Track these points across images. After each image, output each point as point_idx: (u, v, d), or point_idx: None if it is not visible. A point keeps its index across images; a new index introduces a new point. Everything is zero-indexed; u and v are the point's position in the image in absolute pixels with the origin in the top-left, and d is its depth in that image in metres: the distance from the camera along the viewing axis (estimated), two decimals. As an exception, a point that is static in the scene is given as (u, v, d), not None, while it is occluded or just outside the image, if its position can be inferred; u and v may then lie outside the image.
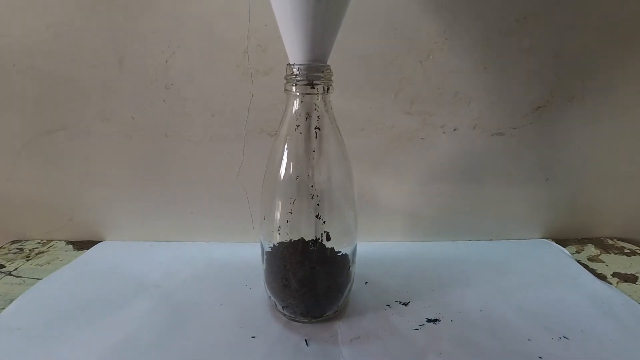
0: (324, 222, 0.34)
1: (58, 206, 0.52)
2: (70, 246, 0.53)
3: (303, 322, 0.36)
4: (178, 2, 0.44)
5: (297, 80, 0.32)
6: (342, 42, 0.45)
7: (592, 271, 0.46)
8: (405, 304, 0.39)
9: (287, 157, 0.33)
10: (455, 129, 0.48)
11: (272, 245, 0.36)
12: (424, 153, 0.49)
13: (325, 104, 0.33)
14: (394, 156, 0.49)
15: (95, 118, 0.48)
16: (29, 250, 0.52)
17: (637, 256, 0.50)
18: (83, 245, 0.53)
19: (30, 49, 0.46)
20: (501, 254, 0.50)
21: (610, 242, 0.54)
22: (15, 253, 0.51)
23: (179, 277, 0.44)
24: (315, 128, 0.33)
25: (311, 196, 0.33)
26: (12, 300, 0.39)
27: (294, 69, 0.32)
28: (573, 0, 0.44)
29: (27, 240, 0.54)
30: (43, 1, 0.44)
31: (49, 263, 0.48)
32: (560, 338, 0.34)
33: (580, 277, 0.44)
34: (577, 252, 0.51)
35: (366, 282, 0.43)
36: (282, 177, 0.33)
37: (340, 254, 0.36)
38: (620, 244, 0.53)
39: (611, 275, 0.45)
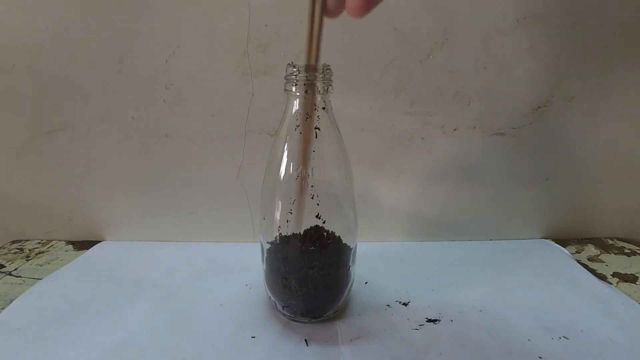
0: (324, 222, 0.34)
1: (58, 206, 0.52)
2: (70, 246, 0.53)
3: (303, 322, 0.36)
4: (178, 2, 0.44)
5: (297, 80, 0.32)
6: (342, 42, 0.45)
7: (592, 271, 0.46)
8: (405, 304, 0.39)
9: (287, 157, 0.33)
10: (455, 129, 0.48)
11: (272, 245, 0.36)
12: (424, 153, 0.49)
13: (325, 104, 0.33)
14: (394, 156, 0.49)
15: (95, 118, 0.48)
16: (29, 250, 0.52)
17: (637, 256, 0.50)
18: (83, 245, 0.53)
19: (30, 49, 0.46)
20: (501, 254, 0.50)
21: (610, 242, 0.54)
22: (15, 253, 0.51)
23: (179, 277, 0.44)
24: (315, 128, 0.33)
25: (311, 196, 0.33)
26: (12, 300, 0.40)
27: (294, 69, 0.32)
28: (573, 0, 0.45)
29: (27, 240, 0.54)
30: (43, 1, 0.44)
31: (49, 263, 0.48)
32: (560, 338, 0.34)
33: (580, 277, 0.44)
34: (577, 252, 0.51)
35: (366, 282, 0.43)
36: (282, 177, 0.33)
37: (340, 254, 0.36)
38: (620, 244, 0.53)
39: (611, 275, 0.45)
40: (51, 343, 0.34)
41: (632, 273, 0.46)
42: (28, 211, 0.53)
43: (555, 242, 0.53)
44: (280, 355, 0.32)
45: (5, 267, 0.47)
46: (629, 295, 0.40)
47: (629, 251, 0.51)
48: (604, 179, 0.51)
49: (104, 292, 0.41)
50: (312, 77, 0.31)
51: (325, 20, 0.28)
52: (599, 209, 0.53)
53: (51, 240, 0.54)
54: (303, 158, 0.32)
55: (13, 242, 0.54)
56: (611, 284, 0.43)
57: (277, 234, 0.35)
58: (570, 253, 0.50)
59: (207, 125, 0.48)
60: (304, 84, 0.32)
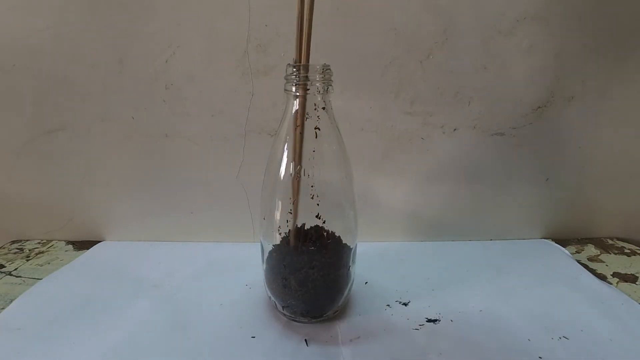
0: (324, 222, 0.34)
1: (58, 206, 0.52)
2: (70, 246, 0.53)
3: (303, 322, 0.36)
4: (178, 2, 0.44)
5: (297, 81, 0.32)
6: (342, 42, 0.45)
7: (592, 271, 0.46)
8: (405, 304, 0.39)
9: (287, 157, 0.33)
10: (455, 129, 0.48)
11: (272, 245, 0.36)
12: (424, 153, 0.49)
13: (325, 104, 0.33)
14: (394, 156, 0.49)
15: (95, 118, 0.48)
16: (29, 250, 0.52)
17: (637, 256, 0.50)
18: (83, 245, 0.53)
19: (30, 49, 0.46)
20: (501, 254, 0.50)
21: (610, 242, 0.54)
22: (15, 253, 0.51)
23: (179, 277, 0.44)
24: (315, 128, 0.33)
25: (311, 196, 0.33)
26: (12, 300, 0.39)
27: (294, 69, 0.32)
28: (573, 0, 0.45)
29: (27, 240, 0.54)
30: (43, 1, 0.44)
31: (49, 263, 0.48)
32: (560, 338, 0.34)
33: (580, 277, 0.44)
34: (577, 252, 0.51)
35: (366, 282, 0.43)
36: (282, 177, 0.33)
37: (340, 254, 0.36)
38: (620, 244, 0.53)
39: (611, 275, 0.45)
40: (51, 343, 0.34)
41: (632, 273, 0.46)
42: (28, 211, 0.53)
43: (555, 242, 0.53)
44: (280, 355, 0.32)
45: (5, 267, 0.47)
46: (629, 295, 0.40)
47: (629, 251, 0.51)
48: (604, 179, 0.51)
49: (104, 292, 0.41)
50: (312, 77, 0.31)
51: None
52: (599, 209, 0.53)
53: (51, 240, 0.54)
54: (296, 156, 0.32)
55: (13, 242, 0.54)
56: (611, 284, 0.43)
57: (277, 234, 0.35)
58: (570, 253, 0.50)
59: (207, 125, 0.48)
60: (300, 84, 0.32)
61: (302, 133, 0.32)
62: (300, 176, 0.33)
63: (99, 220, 0.53)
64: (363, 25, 0.44)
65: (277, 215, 0.34)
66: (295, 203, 0.33)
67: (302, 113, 0.32)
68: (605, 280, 0.44)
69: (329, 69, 0.32)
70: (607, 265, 0.47)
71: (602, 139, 0.50)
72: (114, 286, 0.42)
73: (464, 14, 0.45)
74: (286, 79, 0.33)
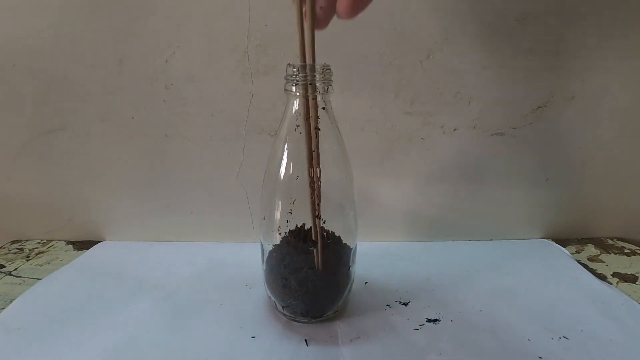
0: (324, 222, 0.34)
1: (58, 206, 0.52)
2: (70, 246, 0.53)
3: (303, 322, 0.36)
4: (178, 2, 0.44)
5: (297, 80, 0.32)
6: (342, 42, 0.45)
7: (592, 271, 0.46)
8: (405, 304, 0.39)
9: (287, 157, 0.33)
10: (455, 129, 0.48)
11: (272, 245, 0.36)
12: (424, 153, 0.49)
13: (325, 104, 0.33)
14: (394, 156, 0.49)
15: (95, 118, 0.48)
16: (29, 250, 0.52)
17: (637, 256, 0.50)
18: (83, 245, 0.53)
19: (30, 49, 0.46)
20: (501, 254, 0.50)
21: (610, 242, 0.53)
22: (15, 253, 0.51)
23: (179, 277, 0.44)
24: (315, 128, 0.33)
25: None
26: (12, 300, 0.39)
27: (294, 69, 0.32)
28: (573, 0, 0.45)
29: (27, 240, 0.54)
30: (43, 1, 0.44)
31: (49, 263, 0.48)
32: (560, 338, 0.34)
33: (580, 277, 0.44)
34: (577, 252, 0.51)
35: (366, 282, 0.43)
36: (282, 177, 0.33)
37: (340, 254, 0.36)
38: (620, 244, 0.53)
39: (611, 275, 0.45)
40: (51, 343, 0.34)
41: (632, 273, 0.46)
42: (28, 211, 0.53)
43: (555, 242, 0.53)
44: (280, 355, 0.32)
45: (5, 267, 0.47)
46: (629, 295, 0.40)
47: (629, 251, 0.51)
48: (603, 179, 0.51)
49: (104, 292, 0.41)
50: (312, 77, 0.31)
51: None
52: (599, 209, 0.53)
53: (51, 240, 0.54)
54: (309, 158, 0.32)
55: (13, 242, 0.54)
56: (611, 284, 0.43)
57: (277, 234, 0.35)
58: (570, 253, 0.50)
59: (207, 125, 0.48)
60: (303, 84, 0.32)
61: (316, 132, 0.32)
62: (316, 179, 0.32)
63: (99, 220, 0.53)
64: (363, 25, 0.44)
65: (277, 215, 0.34)
66: (313, 206, 0.33)
67: (308, 113, 0.32)
68: (605, 280, 0.44)
69: (329, 69, 0.32)
70: (607, 265, 0.47)
71: (602, 139, 0.50)
72: (114, 286, 0.42)
73: (464, 14, 0.45)
74: (286, 79, 0.33)
